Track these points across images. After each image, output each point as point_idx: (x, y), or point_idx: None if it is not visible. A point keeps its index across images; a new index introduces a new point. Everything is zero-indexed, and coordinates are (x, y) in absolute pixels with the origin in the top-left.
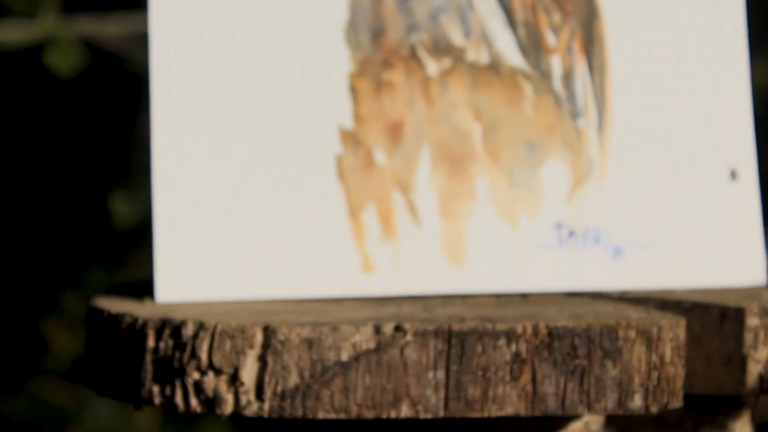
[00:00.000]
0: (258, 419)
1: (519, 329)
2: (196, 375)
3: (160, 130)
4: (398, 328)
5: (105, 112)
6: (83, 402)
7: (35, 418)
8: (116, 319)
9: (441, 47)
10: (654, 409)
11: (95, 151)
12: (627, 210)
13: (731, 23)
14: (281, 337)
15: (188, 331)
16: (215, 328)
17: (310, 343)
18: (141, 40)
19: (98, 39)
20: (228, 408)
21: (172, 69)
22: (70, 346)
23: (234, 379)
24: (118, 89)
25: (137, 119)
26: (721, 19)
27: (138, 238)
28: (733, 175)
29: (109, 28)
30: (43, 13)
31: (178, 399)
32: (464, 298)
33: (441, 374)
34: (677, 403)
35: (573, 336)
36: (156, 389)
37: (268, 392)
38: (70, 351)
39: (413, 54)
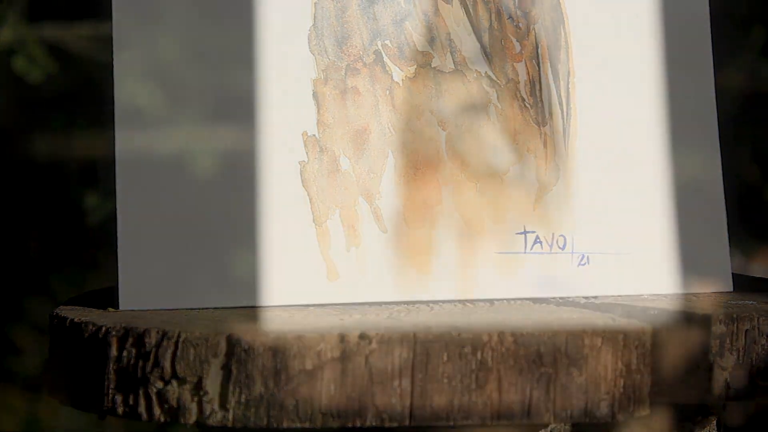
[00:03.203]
0: (222, 428)
1: (484, 337)
2: (159, 384)
3: (123, 135)
4: (363, 336)
5: (74, 114)
6: (54, 408)
7: (4, 425)
8: (79, 327)
9: (406, 53)
10: (620, 417)
11: (65, 155)
12: (593, 216)
13: (697, 31)
14: (245, 346)
15: (151, 339)
16: (179, 336)
17: (274, 352)
18: (110, 43)
19: (67, 44)
20: (192, 417)
21: (134, 74)
22: (41, 353)
23: (198, 389)
24: (87, 92)
25: (107, 119)
26: (686, 27)
27: (110, 241)
28: None
29: (78, 32)
30: (11, 20)
31: (142, 408)
32: (430, 305)
33: (406, 382)
34: (643, 410)
35: (538, 343)
36: (119, 398)
37: (232, 401)
38: (40, 357)
39: (378, 60)
